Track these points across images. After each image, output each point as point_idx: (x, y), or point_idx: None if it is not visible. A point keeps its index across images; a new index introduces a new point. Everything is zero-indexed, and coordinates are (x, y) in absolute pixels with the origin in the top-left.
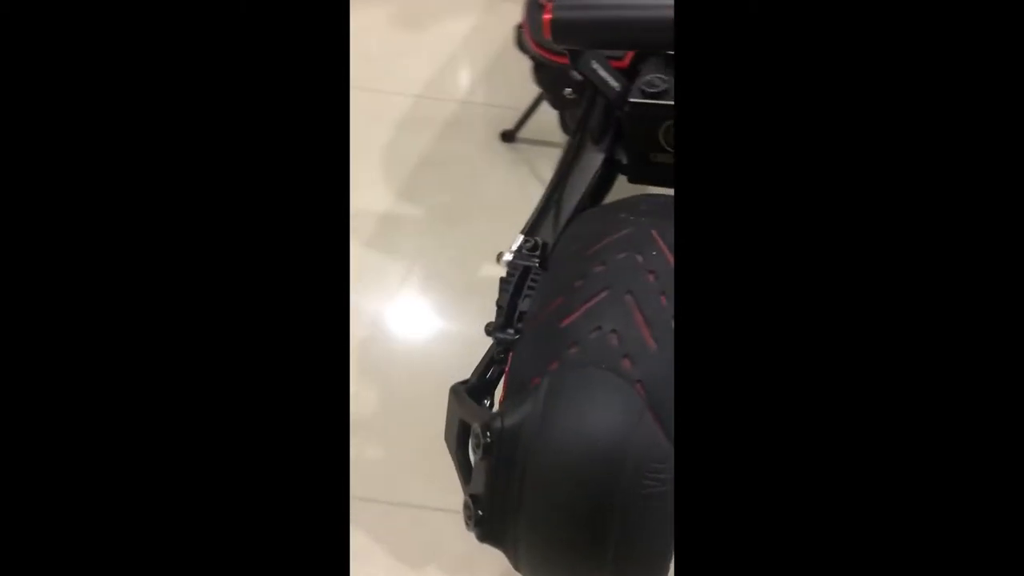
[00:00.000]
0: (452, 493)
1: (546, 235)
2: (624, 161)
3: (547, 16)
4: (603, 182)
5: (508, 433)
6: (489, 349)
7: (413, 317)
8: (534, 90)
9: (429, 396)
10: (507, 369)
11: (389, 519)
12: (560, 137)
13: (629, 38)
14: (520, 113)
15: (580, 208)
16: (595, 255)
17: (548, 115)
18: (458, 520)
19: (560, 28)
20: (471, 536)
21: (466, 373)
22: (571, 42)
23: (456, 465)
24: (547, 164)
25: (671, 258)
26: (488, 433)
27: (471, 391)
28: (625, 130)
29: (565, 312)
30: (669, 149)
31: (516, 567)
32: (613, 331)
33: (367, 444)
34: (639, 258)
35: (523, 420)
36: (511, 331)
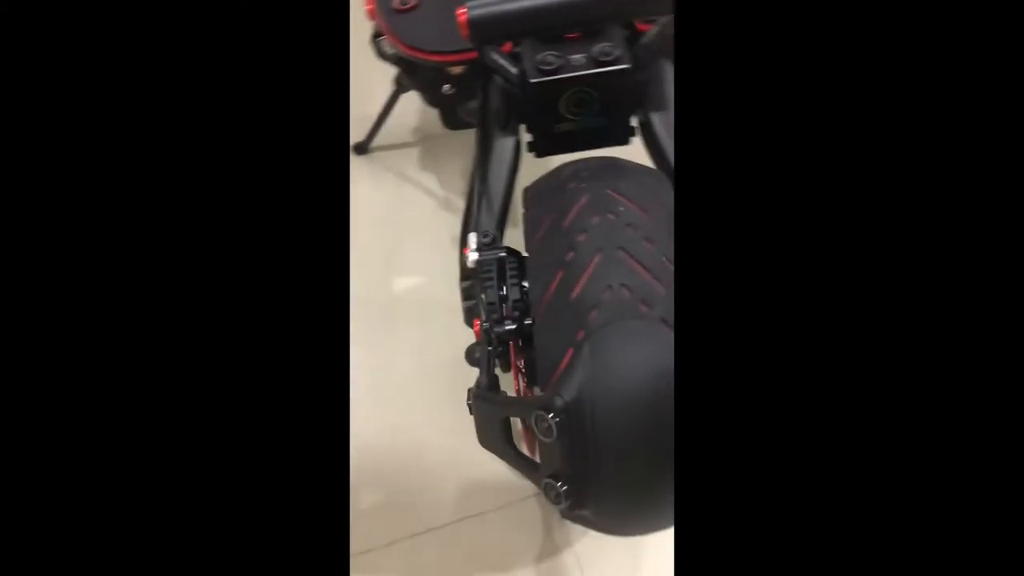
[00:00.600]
0: None
1: (489, 227)
2: (531, 139)
3: (463, 17)
4: (516, 163)
5: (573, 404)
6: (484, 347)
7: None
8: (375, 99)
9: None
10: (515, 359)
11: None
12: (413, 136)
13: (541, 24)
14: (367, 122)
15: (508, 193)
16: (572, 226)
17: (394, 118)
18: None
19: (478, 26)
20: None
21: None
22: (489, 38)
23: (510, 461)
24: (411, 165)
25: (636, 208)
26: (553, 414)
27: (493, 390)
28: (529, 109)
29: (570, 285)
30: (571, 116)
31: (597, 527)
32: (623, 285)
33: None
34: (611, 216)
35: (580, 387)
36: (508, 323)
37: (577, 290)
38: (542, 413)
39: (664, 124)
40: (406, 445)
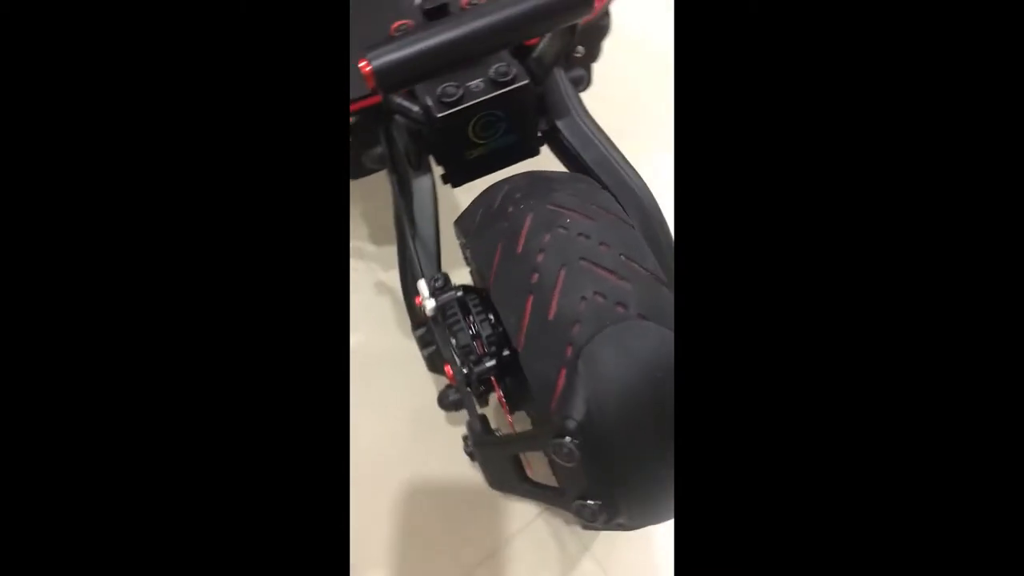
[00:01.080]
0: None
1: (431, 270)
2: (443, 171)
3: (367, 68)
4: (436, 200)
5: (586, 422)
6: (464, 391)
7: None
8: None
9: None
10: (500, 394)
11: None
12: None
13: (445, 62)
14: None
15: (437, 232)
16: (527, 249)
17: None
18: None
19: (385, 74)
20: None
21: None
22: (397, 84)
23: (531, 496)
24: None
25: (581, 216)
26: (570, 437)
27: (489, 432)
28: (439, 143)
29: (545, 306)
30: (481, 141)
31: (629, 528)
32: (596, 293)
33: None
34: (562, 231)
35: (588, 403)
36: (488, 359)
37: (553, 309)
38: (559, 440)
39: (569, 128)
40: (401, 505)
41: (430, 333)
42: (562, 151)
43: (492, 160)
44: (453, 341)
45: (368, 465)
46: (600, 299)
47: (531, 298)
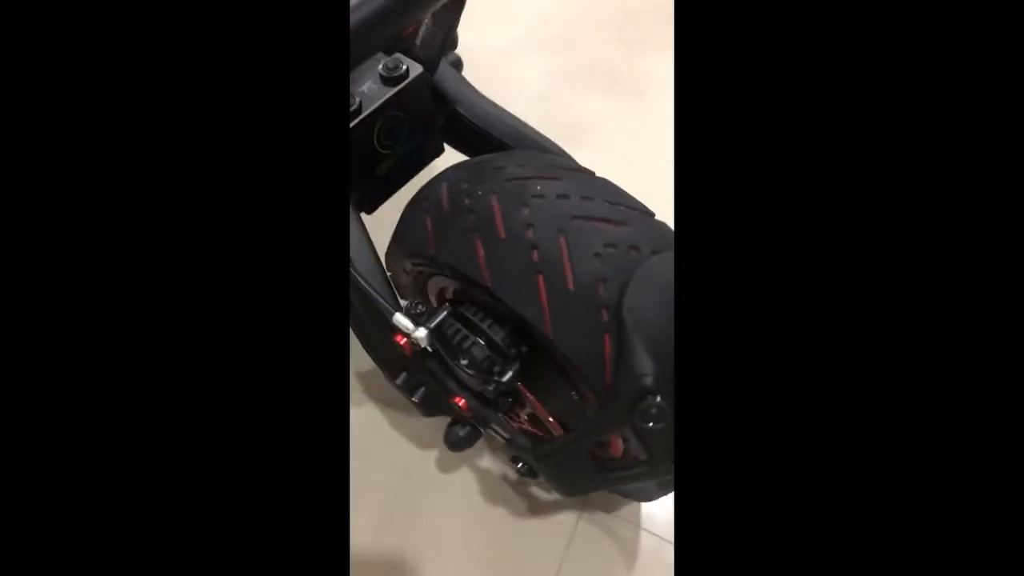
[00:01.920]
0: None
1: (395, 302)
2: (361, 199)
3: None
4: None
5: (660, 372)
6: (490, 411)
7: None
8: None
9: None
10: (533, 397)
11: None
12: None
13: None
14: None
15: (383, 266)
16: (513, 230)
17: None
18: None
19: None
20: None
21: None
22: None
23: (622, 481)
24: None
25: (547, 179)
26: (657, 396)
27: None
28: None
29: (559, 278)
30: (386, 151)
31: None
32: (606, 246)
33: None
34: (538, 200)
35: (652, 356)
36: (512, 363)
37: (570, 278)
38: (644, 403)
39: (471, 111)
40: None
41: (418, 372)
42: (468, 136)
43: (401, 171)
44: (464, 362)
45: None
46: (612, 250)
47: (540, 277)
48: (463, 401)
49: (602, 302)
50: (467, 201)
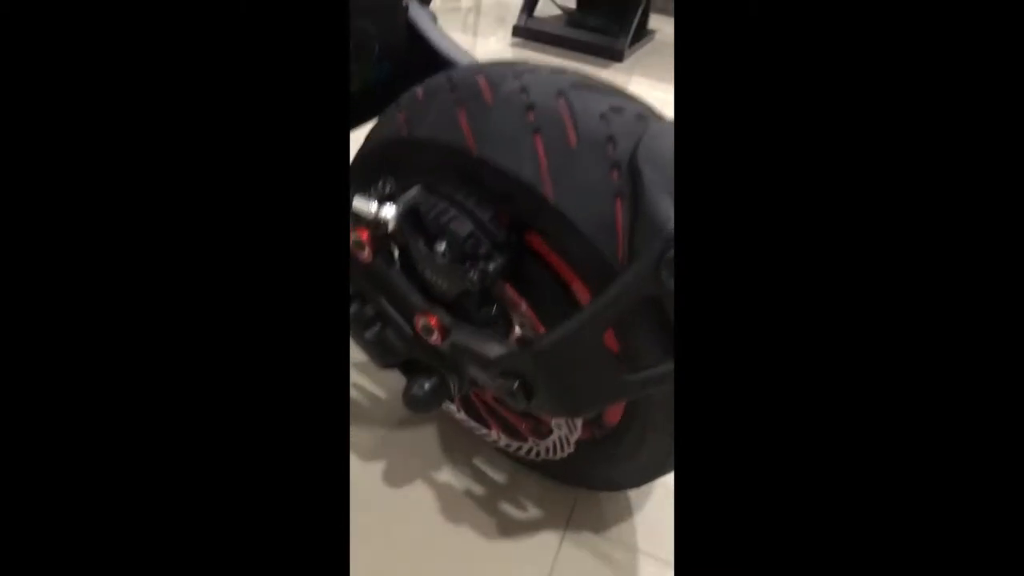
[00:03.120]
0: None
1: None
2: None
3: None
4: None
5: None
6: (476, 302)
7: None
8: None
9: None
10: (516, 294)
11: None
12: None
13: None
14: None
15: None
16: (505, 96)
17: None
18: None
19: None
20: None
21: None
22: None
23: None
24: None
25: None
26: None
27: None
28: None
29: (561, 138)
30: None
31: None
32: (612, 109)
33: None
34: (531, 75)
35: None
36: (499, 250)
37: (573, 136)
38: (672, 254)
39: (441, 49)
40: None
41: (375, 294)
42: (427, 47)
43: (367, 102)
44: (441, 247)
45: None
46: (619, 115)
47: (538, 136)
48: (434, 320)
49: (612, 162)
50: (447, 85)
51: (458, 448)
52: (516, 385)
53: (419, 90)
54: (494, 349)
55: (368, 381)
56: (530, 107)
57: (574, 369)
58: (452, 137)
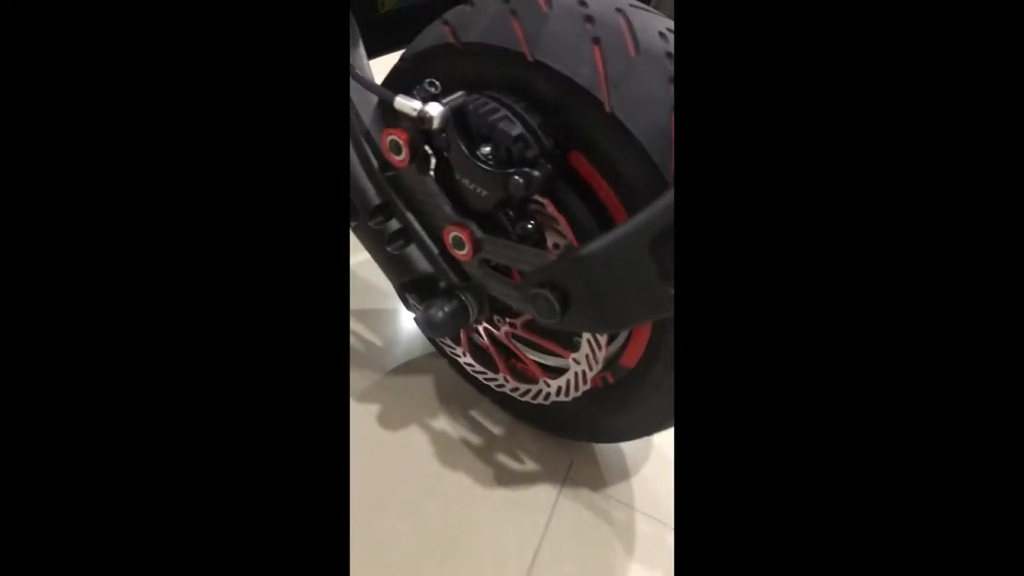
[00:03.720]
0: None
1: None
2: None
3: None
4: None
5: None
6: (514, 212)
7: None
8: None
9: None
10: (556, 210)
11: None
12: None
13: None
14: None
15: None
16: (564, 6)
17: None
18: None
19: None
20: None
21: None
22: None
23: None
24: None
25: None
26: None
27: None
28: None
29: (620, 48)
30: None
31: None
32: (668, 30)
33: None
34: None
35: None
36: (546, 165)
37: (632, 47)
38: None
39: None
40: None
41: (404, 201)
42: None
43: (406, 20)
44: (486, 149)
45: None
46: (664, 40)
47: (597, 46)
48: (466, 233)
49: (671, 76)
50: None
51: (455, 399)
52: (554, 296)
53: (466, 6)
54: (531, 260)
55: (363, 327)
56: (588, 18)
57: (616, 279)
58: (505, 42)
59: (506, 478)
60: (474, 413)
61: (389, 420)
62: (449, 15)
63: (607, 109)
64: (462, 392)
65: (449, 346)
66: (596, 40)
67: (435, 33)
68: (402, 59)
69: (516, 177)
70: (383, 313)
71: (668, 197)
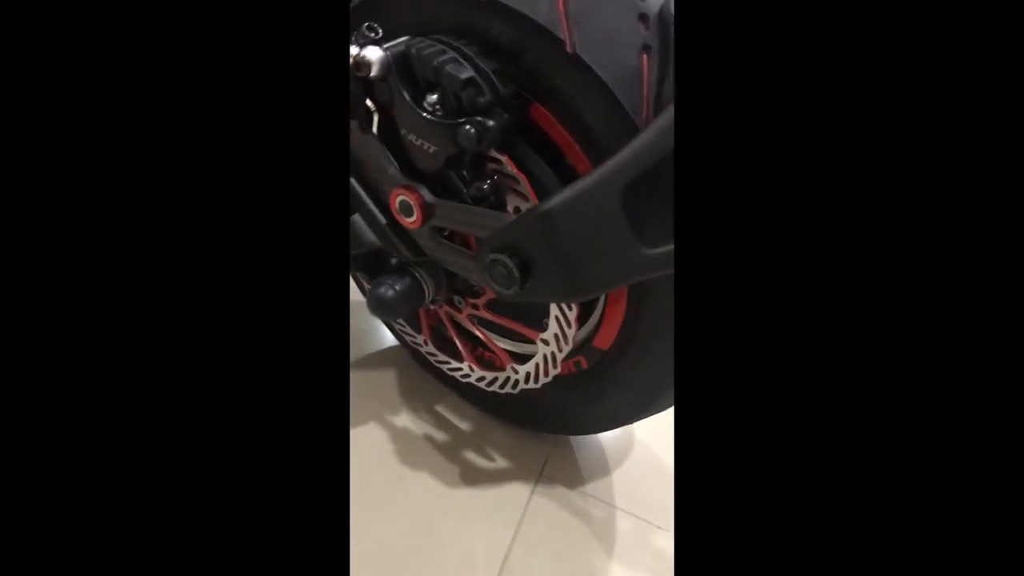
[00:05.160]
0: None
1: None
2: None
3: None
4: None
5: None
6: (467, 162)
7: None
8: None
9: None
10: (515, 167)
11: None
12: None
13: None
14: None
15: None
16: None
17: None
18: None
19: None
20: None
21: None
22: None
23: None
24: None
25: None
26: None
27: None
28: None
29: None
30: None
31: None
32: None
33: None
34: None
35: None
36: (501, 114)
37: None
38: None
39: None
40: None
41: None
42: None
43: None
44: (433, 97)
45: None
46: None
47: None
48: (414, 196)
49: (639, 12)
50: None
51: (417, 395)
52: (513, 263)
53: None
54: (488, 224)
55: None
56: None
57: (583, 238)
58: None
59: (475, 477)
60: (440, 408)
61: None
62: None
63: (569, 49)
64: (426, 387)
65: (409, 334)
66: None
67: None
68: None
69: (467, 127)
70: None
71: (640, 140)
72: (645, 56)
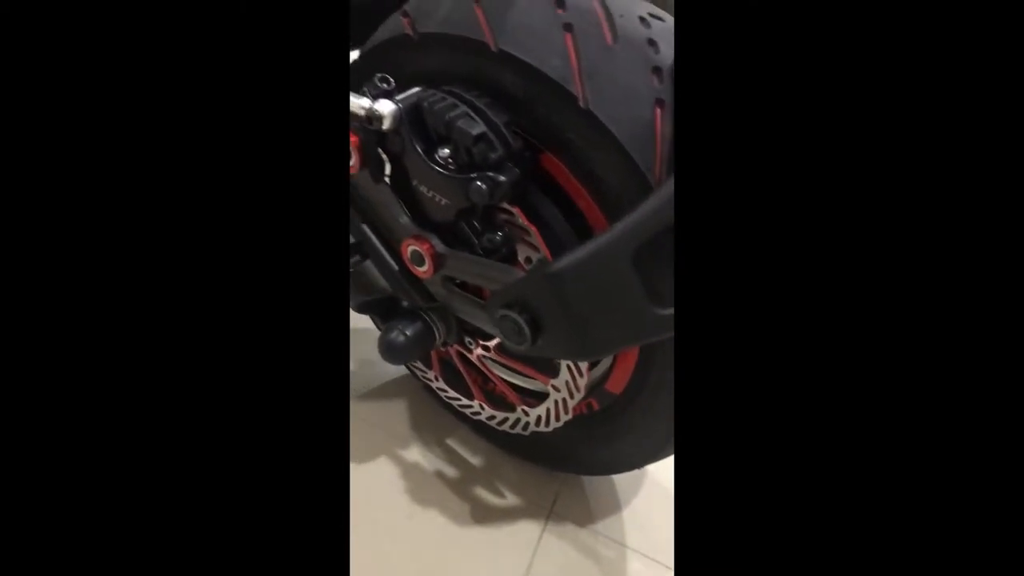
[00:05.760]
0: None
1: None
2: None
3: None
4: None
5: None
6: (477, 215)
7: None
8: None
9: None
10: (527, 220)
11: None
12: None
13: None
14: None
15: None
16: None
17: None
18: None
19: None
20: None
21: None
22: None
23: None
24: None
25: None
26: None
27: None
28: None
29: (595, 36)
30: None
31: None
32: (650, 15)
33: None
34: None
35: None
36: (512, 168)
37: (609, 34)
38: None
39: None
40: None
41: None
42: None
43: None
44: (444, 151)
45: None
46: (658, 21)
47: (569, 35)
48: (426, 246)
49: (653, 65)
50: None
51: (428, 428)
52: (523, 319)
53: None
54: (498, 277)
55: None
56: (559, 2)
57: (594, 299)
58: (467, 31)
59: (485, 514)
60: (451, 442)
61: (356, 453)
62: (409, 4)
63: (582, 104)
64: (437, 419)
65: (420, 369)
66: (568, 26)
67: (393, 25)
68: (360, 56)
69: (478, 183)
70: (351, 333)
71: (653, 201)
72: (659, 110)
